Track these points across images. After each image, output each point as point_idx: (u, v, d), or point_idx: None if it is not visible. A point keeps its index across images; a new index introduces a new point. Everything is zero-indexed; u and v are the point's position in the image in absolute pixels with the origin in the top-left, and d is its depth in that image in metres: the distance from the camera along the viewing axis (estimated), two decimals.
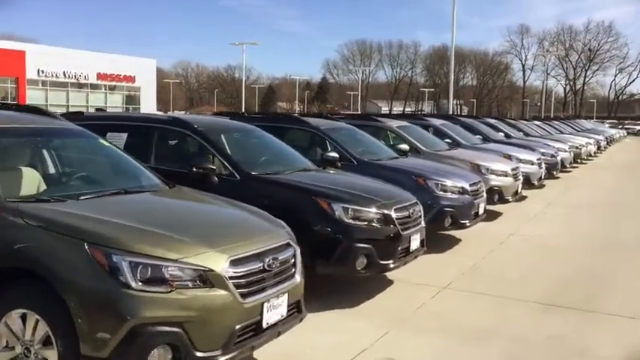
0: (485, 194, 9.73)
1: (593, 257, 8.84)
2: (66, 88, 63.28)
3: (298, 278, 4.54)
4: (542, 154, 16.59)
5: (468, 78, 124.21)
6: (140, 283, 3.57)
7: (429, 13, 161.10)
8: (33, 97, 58.14)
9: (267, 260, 4.17)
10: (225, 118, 10.09)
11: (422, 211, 7.15)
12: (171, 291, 3.63)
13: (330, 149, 9.27)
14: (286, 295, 4.31)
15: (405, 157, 10.50)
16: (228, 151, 6.85)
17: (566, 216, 12.67)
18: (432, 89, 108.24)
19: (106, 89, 67.51)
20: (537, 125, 26.65)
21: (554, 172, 17.08)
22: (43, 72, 60.41)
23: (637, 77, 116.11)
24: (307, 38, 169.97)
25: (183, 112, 68.17)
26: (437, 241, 9.25)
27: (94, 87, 66.06)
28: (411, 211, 6.77)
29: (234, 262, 3.92)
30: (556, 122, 32.61)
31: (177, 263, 3.69)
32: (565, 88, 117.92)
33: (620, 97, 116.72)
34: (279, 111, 76.88)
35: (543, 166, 15.12)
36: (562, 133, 28.26)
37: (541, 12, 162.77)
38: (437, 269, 7.89)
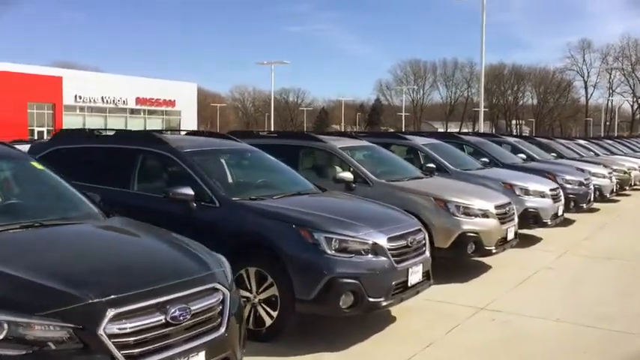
0: (426, 250, 6.26)
1: None
2: (104, 113, 62.29)
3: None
4: (567, 181, 12.81)
5: (528, 97, 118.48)
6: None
7: (490, 34, 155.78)
8: (70, 123, 57.10)
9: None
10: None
11: (229, 304, 3.83)
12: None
13: (185, 182, 6.13)
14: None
15: (325, 191, 7.19)
16: None
17: (578, 275, 8.76)
18: (487, 109, 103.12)
19: (145, 114, 66.33)
20: (581, 145, 22.58)
21: (584, 205, 13.17)
22: (80, 97, 59.70)
23: None
24: (364, 60, 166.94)
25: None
26: (359, 323, 5.94)
27: (132, 112, 64.94)
28: (199, 305, 3.48)
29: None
30: (609, 141, 28.22)
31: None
32: (632, 106, 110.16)
33: None
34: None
35: (562, 198, 11.37)
36: (613, 154, 24.03)
37: (607, 30, 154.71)
38: None
